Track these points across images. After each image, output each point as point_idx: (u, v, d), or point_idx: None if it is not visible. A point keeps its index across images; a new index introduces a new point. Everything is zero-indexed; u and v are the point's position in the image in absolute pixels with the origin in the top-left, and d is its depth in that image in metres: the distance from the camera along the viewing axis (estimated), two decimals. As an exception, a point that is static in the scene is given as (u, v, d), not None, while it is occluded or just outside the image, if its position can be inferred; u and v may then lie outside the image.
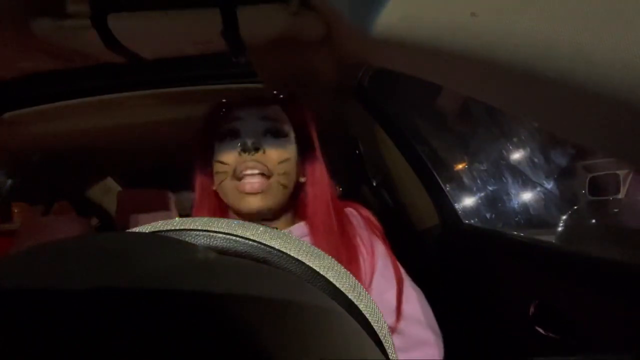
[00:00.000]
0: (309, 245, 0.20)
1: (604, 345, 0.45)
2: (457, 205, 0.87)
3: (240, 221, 0.20)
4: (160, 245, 0.16)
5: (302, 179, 0.59)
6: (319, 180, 0.59)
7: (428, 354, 0.50)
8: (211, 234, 0.19)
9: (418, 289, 0.56)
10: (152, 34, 0.52)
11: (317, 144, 0.60)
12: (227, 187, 0.54)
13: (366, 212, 0.62)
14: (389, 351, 0.19)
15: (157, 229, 0.20)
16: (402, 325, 0.51)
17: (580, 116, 0.23)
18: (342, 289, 0.19)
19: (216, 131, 0.58)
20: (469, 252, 0.78)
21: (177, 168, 1.36)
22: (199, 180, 0.60)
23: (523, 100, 0.28)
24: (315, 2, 0.48)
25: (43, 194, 1.57)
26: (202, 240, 0.19)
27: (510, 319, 0.64)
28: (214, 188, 0.58)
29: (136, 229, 0.20)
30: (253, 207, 0.53)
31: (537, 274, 0.58)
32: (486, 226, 0.89)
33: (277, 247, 0.19)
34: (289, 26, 0.53)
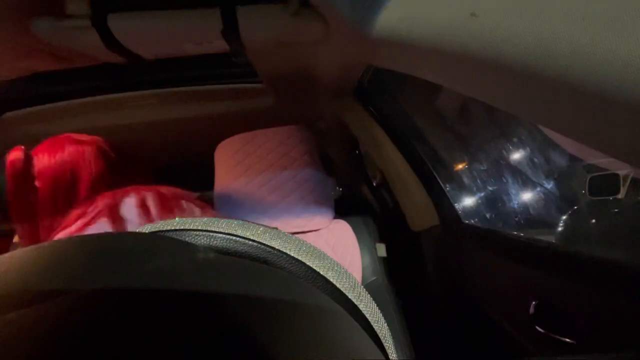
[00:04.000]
0: (309, 245, 0.20)
1: (604, 345, 0.45)
2: (457, 205, 0.87)
3: (241, 221, 0.20)
4: (160, 245, 0.16)
5: None
6: None
7: None
8: (211, 234, 0.19)
9: None
10: (152, 34, 0.52)
11: None
12: None
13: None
14: (389, 351, 0.19)
15: (157, 229, 0.20)
16: None
17: (580, 116, 0.23)
18: (342, 289, 0.19)
19: None
20: (469, 252, 0.78)
21: (177, 168, 1.36)
22: None
23: (523, 99, 0.28)
24: (315, 2, 0.48)
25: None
26: (202, 240, 0.19)
27: (510, 318, 0.64)
28: None
29: (136, 229, 0.20)
30: None
31: (537, 274, 0.57)
32: (486, 226, 0.89)
33: (277, 247, 0.19)
34: (289, 26, 0.53)
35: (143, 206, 0.51)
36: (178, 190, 0.58)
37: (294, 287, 0.17)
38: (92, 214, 0.48)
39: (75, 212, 0.50)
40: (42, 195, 0.52)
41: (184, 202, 0.56)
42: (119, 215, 0.48)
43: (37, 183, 0.52)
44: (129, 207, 0.51)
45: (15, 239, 1.08)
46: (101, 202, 0.50)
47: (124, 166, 0.60)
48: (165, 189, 0.56)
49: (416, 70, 0.41)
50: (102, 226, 0.48)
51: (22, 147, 0.54)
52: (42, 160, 0.53)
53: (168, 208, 0.53)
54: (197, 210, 0.57)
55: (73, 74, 0.71)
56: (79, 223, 0.48)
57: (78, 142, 0.56)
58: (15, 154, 0.53)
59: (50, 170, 0.52)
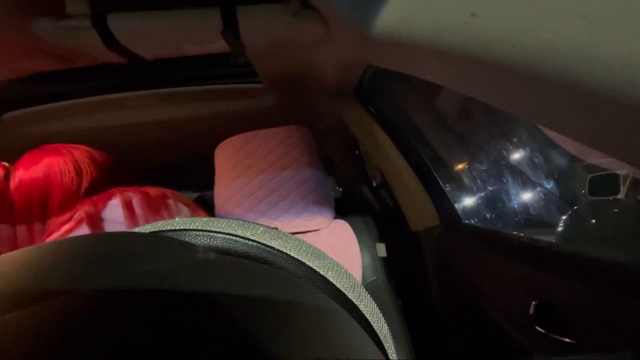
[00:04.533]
0: (309, 245, 0.20)
1: (604, 345, 0.45)
2: (457, 205, 0.87)
3: (241, 221, 0.20)
4: (160, 245, 0.16)
5: None
6: None
7: None
8: (211, 234, 0.19)
9: None
10: (152, 34, 0.52)
11: None
12: None
13: None
14: (389, 351, 0.19)
15: (157, 229, 0.20)
16: None
17: (580, 116, 0.23)
18: (342, 289, 0.19)
19: None
20: (469, 252, 0.78)
21: (177, 168, 1.36)
22: None
23: (523, 99, 0.28)
24: (315, 2, 0.48)
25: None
26: (203, 240, 0.19)
27: (510, 318, 0.64)
28: None
29: (136, 229, 0.20)
30: None
31: (537, 274, 0.57)
32: (486, 226, 0.89)
33: (277, 247, 0.19)
34: (289, 26, 0.53)
35: (128, 207, 0.52)
36: (165, 190, 0.59)
37: (294, 287, 0.17)
38: (74, 221, 0.50)
39: (60, 219, 0.51)
40: (18, 208, 0.55)
41: (171, 202, 0.57)
42: (98, 222, 0.50)
43: (14, 197, 0.54)
44: (114, 208, 0.52)
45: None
46: (82, 209, 0.51)
47: (105, 173, 0.61)
48: (151, 190, 0.57)
49: (416, 70, 0.41)
50: (82, 233, 0.49)
51: (4, 163, 0.56)
52: (18, 174, 0.55)
53: (154, 208, 0.54)
54: (184, 209, 0.58)
55: (73, 74, 0.71)
56: (62, 230, 0.49)
57: (53, 154, 0.57)
58: None
59: (24, 184, 0.55)
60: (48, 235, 0.50)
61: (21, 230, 0.54)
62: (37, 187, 0.54)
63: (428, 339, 0.87)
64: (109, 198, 0.53)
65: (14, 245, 0.55)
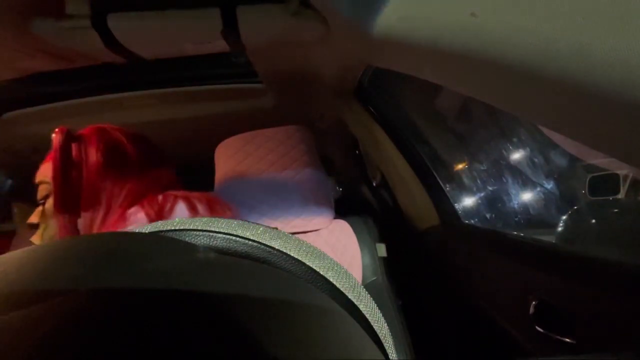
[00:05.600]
0: (309, 245, 0.20)
1: (604, 345, 0.45)
2: (457, 205, 0.87)
3: (241, 221, 0.20)
4: (161, 245, 0.16)
5: None
6: None
7: None
8: (211, 234, 0.19)
9: None
10: (152, 34, 0.52)
11: None
12: None
13: None
14: (389, 351, 0.19)
15: (157, 229, 0.20)
16: None
17: (580, 115, 0.23)
18: (342, 289, 0.19)
19: None
20: (469, 252, 0.78)
21: (176, 168, 1.36)
22: None
23: (522, 99, 0.28)
24: (315, 2, 0.48)
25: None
26: (203, 240, 0.19)
27: (510, 318, 0.64)
28: None
29: (136, 229, 0.20)
30: None
31: (537, 274, 0.57)
32: (486, 226, 0.89)
33: (277, 247, 0.19)
34: (289, 26, 0.53)
35: (194, 211, 0.52)
36: (221, 199, 0.59)
37: (294, 287, 0.17)
38: (131, 221, 0.49)
39: (115, 217, 0.50)
40: (87, 190, 0.52)
41: (228, 211, 0.57)
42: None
43: (84, 166, 0.52)
44: (181, 212, 0.51)
45: (15, 240, 1.08)
46: (142, 210, 0.50)
47: (159, 155, 0.60)
48: (212, 196, 0.57)
49: (416, 70, 0.41)
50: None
51: (65, 128, 0.54)
52: (92, 152, 0.53)
53: (217, 214, 0.54)
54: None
55: (73, 74, 0.71)
56: (121, 221, 0.49)
57: (132, 137, 0.57)
58: (60, 136, 0.53)
59: (99, 164, 0.52)
60: (102, 227, 0.49)
61: (85, 216, 0.52)
62: (113, 168, 0.52)
63: (428, 339, 0.87)
64: (173, 201, 0.52)
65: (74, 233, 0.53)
